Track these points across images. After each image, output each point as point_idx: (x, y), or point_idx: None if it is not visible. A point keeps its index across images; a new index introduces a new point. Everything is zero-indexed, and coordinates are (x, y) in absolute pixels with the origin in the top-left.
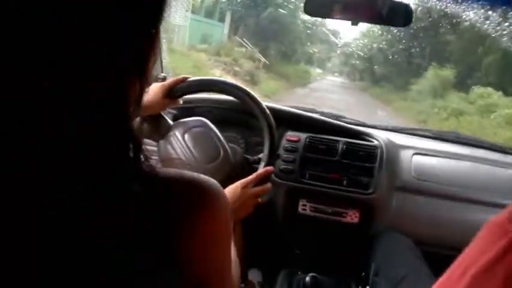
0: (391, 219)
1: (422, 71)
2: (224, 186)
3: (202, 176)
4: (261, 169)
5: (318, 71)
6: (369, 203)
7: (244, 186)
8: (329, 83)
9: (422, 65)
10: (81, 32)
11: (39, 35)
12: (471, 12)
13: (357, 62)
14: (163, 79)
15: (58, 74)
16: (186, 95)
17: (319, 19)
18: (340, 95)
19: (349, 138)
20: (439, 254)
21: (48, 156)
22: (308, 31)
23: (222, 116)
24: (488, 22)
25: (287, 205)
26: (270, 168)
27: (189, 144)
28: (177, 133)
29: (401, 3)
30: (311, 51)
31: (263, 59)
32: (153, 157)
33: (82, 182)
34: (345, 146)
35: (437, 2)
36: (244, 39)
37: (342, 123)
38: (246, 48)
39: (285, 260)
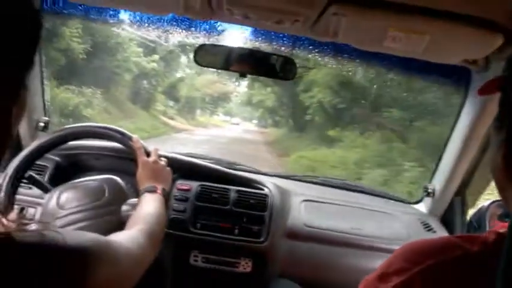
0: (282, 267)
1: None
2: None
3: (69, 239)
4: (134, 144)
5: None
6: (261, 252)
7: (144, 162)
8: None
9: None
10: None
11: None
12: None
13: None
14: (46, 124)
15: None
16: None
17: None
18: None
19: (241, 186)
20: None
21: None
22: None
23: (109, 163)
24: None
25: (178, 257)
26: (135, 137)
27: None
28: (54, 200)
29: (287, 58)
30: None
31: None
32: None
33: None
34: (236, 195)
35: None
36: None
37: (234, 171)
38: None
39: None
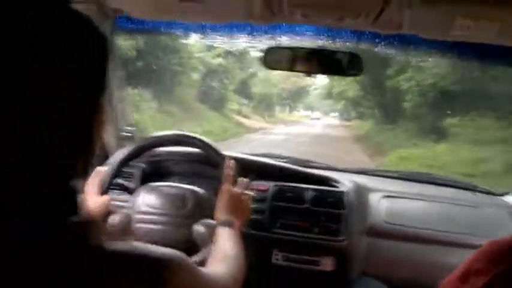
0: (364, 265)
1: None
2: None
3: (158, 251)
4: (225, 169)
5: None
6: (341, 250)
7: (228, 192)
8: None
9: None
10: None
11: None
12: None
13: None
14: (131, 134)
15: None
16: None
17: None
18: None
19: (317, 184)
20: None
21: None
22: None
23: (189, 168)
24: None
25: (260, 256)
26: (230, 162)
27: (154, 202)
28: (140, 196)
29: (352, 54)
30: None
31: None
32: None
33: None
34: (313, 193)
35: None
36: None
37: (309, 170)
38: None
39: None
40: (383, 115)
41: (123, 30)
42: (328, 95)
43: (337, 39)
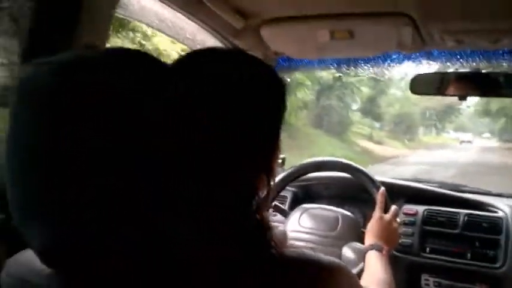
0: None
1: None
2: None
3: (324, 257)
4: (378, 196)
5: None
6: (498, 277)
7: (380, 218)
8: None
9: None
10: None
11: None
12: None
13: None
14: (282, 160)
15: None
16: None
17: None
18: None
19: (471, 209)
20: None
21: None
22: None
23: (338, 191)
24: None
25: (409, 280)
26: (382, 189)
27: (306, 223)
28: (294, 216)
29: (507, 74)
30: None
31: None
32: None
33: (219, 264)
34: (466, 218)
35: None
36: None
37: (461, 194)
38: None
39: None
40: None
41: (284, 70)
42: (485, 112)
43: (492, 60)
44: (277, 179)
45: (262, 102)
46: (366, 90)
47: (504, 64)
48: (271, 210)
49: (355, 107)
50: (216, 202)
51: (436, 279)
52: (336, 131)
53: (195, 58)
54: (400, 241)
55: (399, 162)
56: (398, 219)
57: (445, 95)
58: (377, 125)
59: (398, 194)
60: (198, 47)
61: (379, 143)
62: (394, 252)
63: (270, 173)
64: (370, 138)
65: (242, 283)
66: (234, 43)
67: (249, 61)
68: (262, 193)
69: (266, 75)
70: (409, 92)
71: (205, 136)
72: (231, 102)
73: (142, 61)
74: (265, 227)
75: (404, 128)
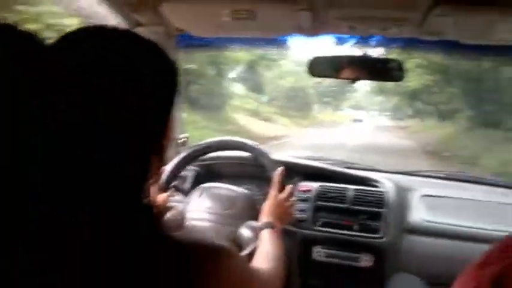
0: (402, 262)
1: None
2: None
3: (211, 240)
4: (275, 175)
5: None
6: (381, 247)
7: (274, 197)
8: None
9: None
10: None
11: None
12: None
13: None
14: (184, 142)
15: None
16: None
17: None
18: None
19: (358, 184)
20: None
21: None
22: None
23: (240, 170)
24: None
25: (302, 252)
26: (280, 169)
27: (206, 202)
28: (194, 196)
29: (394, 60)
30: None
31: None
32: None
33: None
34: (354, 193)
35: None
36: None
37: (350, 171)
38: None
39: None
40: (475, 115)
41: (184, 47)
42: (380, 90)
43: (382, 46)
44: (177, 158)
45: (148, 84)
46: (243, 55)
47: (391, 49)
48: (172, 190)
49: (233, 75)
50: (106, 184)
51: (326, 250)
52: (212, 107)
53: (79, 36)
54: (295, 216)
55: (279, 145)
56: (294, 197)
57: (339, 78)
58: (264, 99)
59: (296, 172)
60: (94, 21)
61: (266, 119)
62: (290, 227)
63: (161, 154)
64: (255, 114)
65: (128, 264)
66: (133, 17)
67: (137, 42)
68: (155, 174)
69: (153, 58)
70: (305, 65)
71: (87, 118)
72: (111, 84)
73: (12, 36)
74: (155, 209)
75: (298, 104)
